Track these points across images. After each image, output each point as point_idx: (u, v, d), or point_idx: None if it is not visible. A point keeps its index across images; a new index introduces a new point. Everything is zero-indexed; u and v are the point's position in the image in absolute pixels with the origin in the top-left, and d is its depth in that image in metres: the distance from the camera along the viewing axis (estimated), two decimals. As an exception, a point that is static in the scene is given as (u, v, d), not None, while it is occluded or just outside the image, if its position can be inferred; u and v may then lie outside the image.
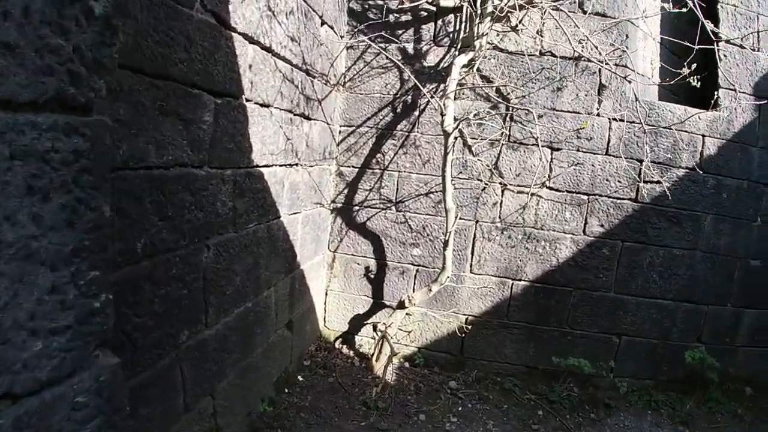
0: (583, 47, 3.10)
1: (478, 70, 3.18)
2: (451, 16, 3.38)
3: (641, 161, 3.17)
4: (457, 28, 3.36)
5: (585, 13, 3.14)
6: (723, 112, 3.30)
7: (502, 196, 3.19)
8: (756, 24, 3.46)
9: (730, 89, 3.31)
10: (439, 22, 3.28)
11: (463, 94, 3.19)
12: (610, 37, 3.18)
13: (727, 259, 3.35)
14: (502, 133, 3.13)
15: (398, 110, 3.52)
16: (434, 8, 3.23)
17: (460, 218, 3.28)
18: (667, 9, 2.98)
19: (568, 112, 3.11)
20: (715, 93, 3.23)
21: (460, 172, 3.30)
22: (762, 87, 3.45)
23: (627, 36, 3.25)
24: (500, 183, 3.15)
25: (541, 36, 3.14)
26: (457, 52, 3.18)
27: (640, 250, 3.22)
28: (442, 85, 3.18)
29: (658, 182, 3.11)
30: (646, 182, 3.13)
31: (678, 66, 2.86)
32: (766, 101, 3.20)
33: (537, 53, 3.15)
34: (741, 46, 3.43)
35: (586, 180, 3.13)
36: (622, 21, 3.20)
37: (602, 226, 3.19)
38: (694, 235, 3.25)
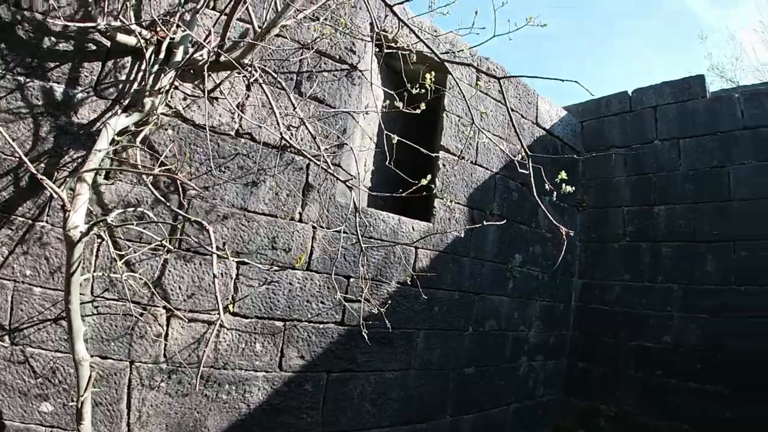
0: (292, 135, 2.81)
1: (147, 141, 2.50)
2: (128, 59, 2.57)
3: (349, 277, 2.98)
4: (132, 77, 2.54)
5: (301, 95, 2.88)
6: (437, 224, 3.40)
7: (168, 325, 2.57)
8: (476, 137, 3.68)
9: (446, 200, 3.40)
10: (110, 63, 2.46)
11: (120, 174, 2.45)
12: (326, 129, 2.97)
13: (442, 372, 3.46)
14: (172, 237, 2.50)
15: (22, 184, 2.63)
16: (107, 42, 2.43)
17: (109, 358, 2.46)
18: (385, 109, 2.90)
19: (264, 214, 2.71)
20: (432, 203, 3.30)
21: (106, 291, 2.45)
22: (475, 198, 3.71)
23: (345, 131, 3.05)
24: (165, 307, 2.53)
25: (243, 112, 2.71)
26: (120, 110, 2.41)
27: (349, 379, 3.03)
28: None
29: (368, 301, 2.97)
30: (354, 301, 2.96)
31: (394, 172, 2.72)
32: (479, 211, 3.46)
33: (233, 133, 2.69)
34: (461, 157, 3.62)
35: (283, 302, 2.77)
36: (342, 113, 3.02)
37: (303, 357, 2.87)
38: (406, 354, 3.23)
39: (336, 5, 3.14)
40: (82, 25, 2.35)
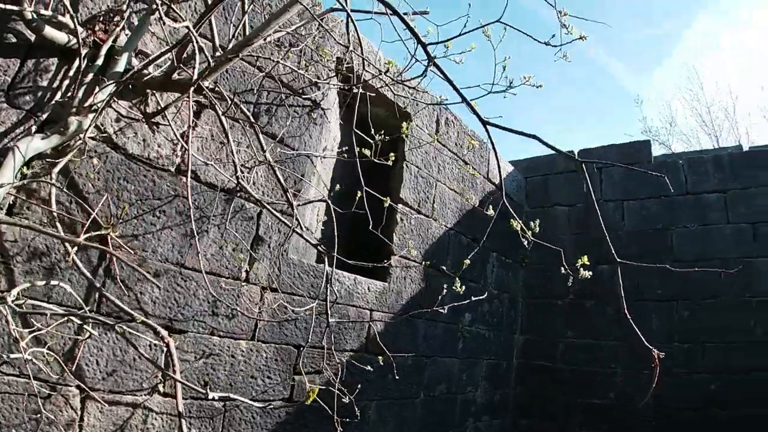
0: (243, 178, 2.67)
1: (66, 173, 2.22)
2: (53, 61, 2.43)
3: (300, 347, 2.91)
4: (56, 85, 2.23)
5: (260, 131, 2.75)
6: (393, 283, 3.48)
7: (83, 409, 2.32)
8: (434, 190, 3.91)
9: (403, 257, 3.52)
10: (30, 63, 2.16)
11: (29, 210, 2.13)
12: (283, 172, 2.88)
13: None
14: (90, 298, 2.27)
15: None
16: (31, 36, 2.13)
17: (-1, 454, 2.35)
18: (345, 156, 2.93)
19: (205, 272, 2.50)
20: (388, 261, 3.32)
21: (3, 364, 2.42)
22: (431, 254, 3.84)
23: (303, 176, 2.99)
24: (79, 387, 2.29)
25: (187, 144, 2.45)
26: (35, 127, 2.12)
27: None
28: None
29: (319, 372, 2.94)
30: (306, 373, 2.89)
31: (348, 224, 2.83)
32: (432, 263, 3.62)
33: (173, 169, 2.51)
34: (418, 211, 3.74)
35: (223, 378, 2.64)
36: (301, 155, 2.99)
37: None
38: (359, 430, 3.17)
39: (308, 32, 3.08)
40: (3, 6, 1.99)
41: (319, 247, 2.54)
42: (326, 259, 2.62)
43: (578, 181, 5.50)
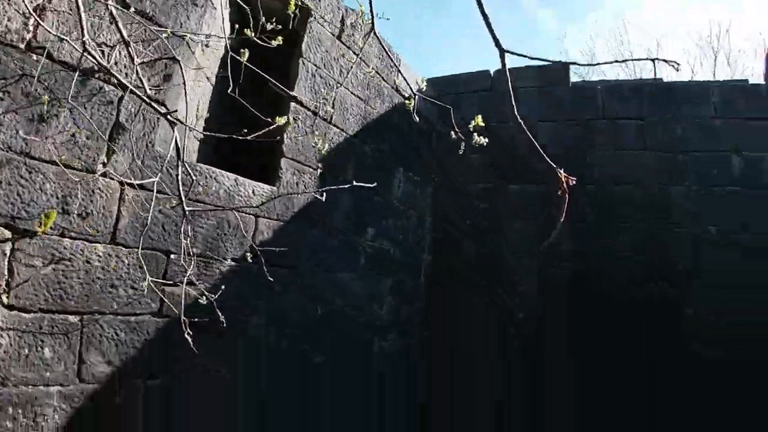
0: (103, 57, 2.49)
1: None
2: None
3: (169, 253, 2.77)
4: None
5: (127, 8, 2.59)
6: (284, 188, 3.37)
7: None
8: (334, 94, 3.76)
9: (295, 160, 3.42)
10: None
11: None
12: (151, 54, 2.71)
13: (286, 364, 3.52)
14: None
15: None
16: None
17: None
18: (231, 40, 2.76)
19: (54, 163, 2.36)
20: (278, 163, 3.25)
21: None
22: (329, 162, 3.77)
23: (176, 61, 2.72)
24: None
25: (41, 18, 2.32)
26: None
27: (174, 386, 2.85)
28: None
29: (193, 284, 2.77)
30: (175, 285, 2.77)
31: (233, 123, 2.64)
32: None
33: (23, 45, 2.29)
34: (315, 113, 3.62)
35: (78, 288, 2.48)
36: (176, 37, 2.77)
37: (110, 362, 2.60)
38: (243, 345, 3.19)
39: None
40: None
41: (170, 117, 2.33)
42: (175, 134, 2.40)
43: (492, 100, 5.62)
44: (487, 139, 2.44)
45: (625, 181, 5.09)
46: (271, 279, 3.05)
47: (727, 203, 4.78)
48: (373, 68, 4.32)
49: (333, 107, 3.82)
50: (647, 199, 4.99)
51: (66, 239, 2.48)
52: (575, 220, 4.94)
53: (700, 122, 5.03)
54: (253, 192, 3.20)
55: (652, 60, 2.14)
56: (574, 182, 2.20)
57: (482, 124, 2.39)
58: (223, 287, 2.86)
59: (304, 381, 3.63)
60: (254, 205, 3.18)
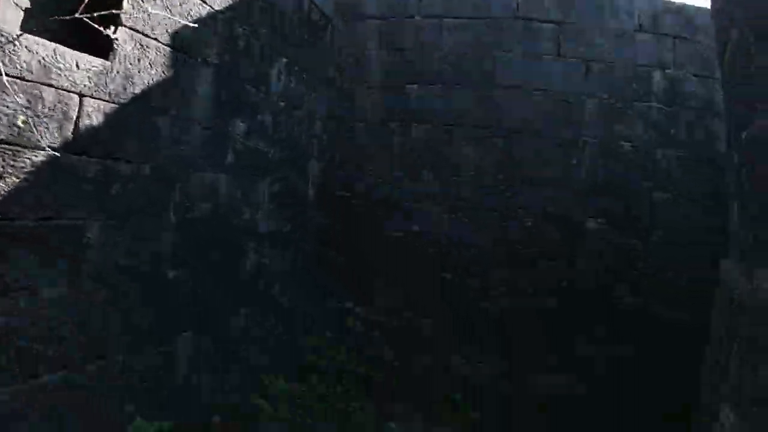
0: None
1: None
2: None
3: None
4: None
5: None
6: (120, 64, 2.81)
7: None
8: None
9: (138, 32, 2.89)
10: None
11: None
12: None
13: (132, 281, 3.03)
14: None
15: None
16: None
17: None
18: None
19: None
20: (113, 33, 2.63)
21: None
22: (185, 38, 3.21)
23: None
24: None
25: None
26: None
27: None
28: None
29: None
30: None
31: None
32: None
33: None
34: None
35: None
36: None
37: None
38: (73, 259, 2.68)
39: None
40: None
41: None
42: None
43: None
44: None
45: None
46: (103, 175, 2.54)
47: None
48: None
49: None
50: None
51: None
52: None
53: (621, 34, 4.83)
54: (77, 65, 2.59)
55: None
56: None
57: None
58: (36, 182, 2.32)
59: (160, 300, 3.20)
60: (80, 83, 2.59)
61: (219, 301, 3.74)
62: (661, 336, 4.22)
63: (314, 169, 5.10)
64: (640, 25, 4.84)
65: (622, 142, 4.70)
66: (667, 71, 4.76)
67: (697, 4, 5.45)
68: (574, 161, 4.70)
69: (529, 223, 4.67)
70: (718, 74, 3.71)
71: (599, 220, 4.63)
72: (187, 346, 3.47)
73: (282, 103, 4.33)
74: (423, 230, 4.91)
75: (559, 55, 4.86)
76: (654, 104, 4.74)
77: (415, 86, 5.08)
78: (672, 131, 4.71)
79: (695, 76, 4.80)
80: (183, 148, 3.27)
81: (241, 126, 3.79)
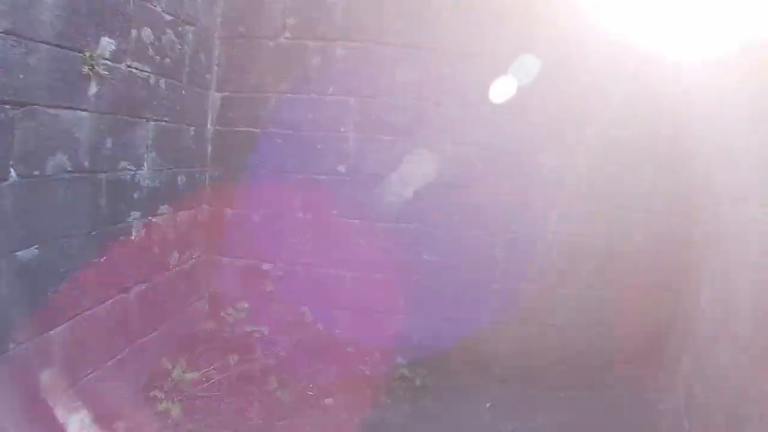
0: None
1: None
2: None
3: None
4: None
5: None
6: None
7: None
8: None
9: None
10: None
11: None
12: None
13: None
14: None
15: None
16: None
17: None
18: None
19: None
20: None
21: None
22: None
23: None
24: None
25: None
26: None
27: None
28: None
29: None
30: None
31: None
32: None
33: None
34: None
35: None
36: None
37: None
38: None
39: None
40: None
41: None
42: None
43: None
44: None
45: None
46: None
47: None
48: None
49: None
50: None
51: None
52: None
53: None
54: None
55: None
56: None
57: None
58: None
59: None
60: None
61: (102, 274, 2.84)
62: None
63: (215, 102, 4.12)
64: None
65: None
66: None
67: None
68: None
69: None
70: None
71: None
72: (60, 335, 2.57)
73: (169, 16, 3.29)
74: (341, 170, 4.35)
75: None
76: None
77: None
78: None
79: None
80: (21, 75, 2.23)
81: (107, 44, 2.74)
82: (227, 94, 4.14)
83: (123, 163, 3.02)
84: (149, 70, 3.15)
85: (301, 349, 3.93)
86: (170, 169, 3.55)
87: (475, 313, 4.05)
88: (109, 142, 2.85)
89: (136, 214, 3.20)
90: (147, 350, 3.41)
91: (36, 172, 2.37)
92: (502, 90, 3.85)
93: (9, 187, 2.24)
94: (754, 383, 2.15)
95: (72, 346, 2.68)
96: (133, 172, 3.12)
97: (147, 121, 3.20)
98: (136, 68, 3.02)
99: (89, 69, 2.58)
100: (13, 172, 2.25)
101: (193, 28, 3.64)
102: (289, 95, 4.09)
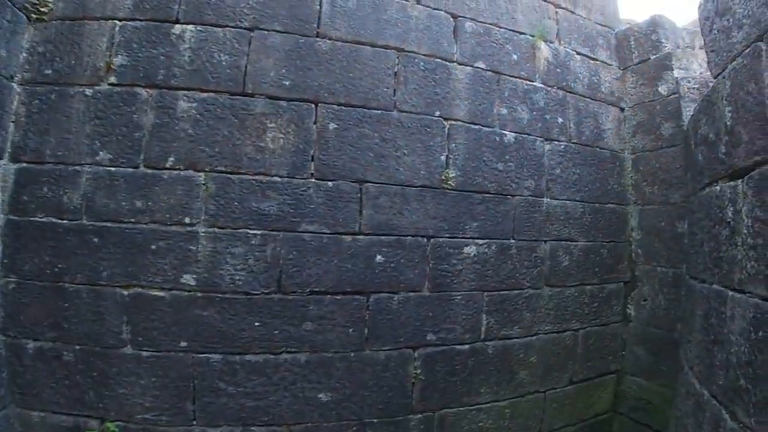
0: None
1: None
2: None
3: None
4: None
5: None
6: None
7: None
8: None
9: None
10: None
11: None
12: None
13: None
14: None
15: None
16: None
17: None
18: None
19: None
20: None
21: None
22: None
23: None
24: None
25: None
26: None
27: None
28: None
29: None
30: None
31: None
32: None
33: None
34: None
35: None
36: None
37: None
38: None
39: None
40: None
41: None
42: None
43: None
44: None
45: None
46: None
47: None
48: None
49: None
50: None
51: None
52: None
53: None
54: None
55: None
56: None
57: None
58: None
59: None
60: None
61: None
62: None
63: (6, 179, 2.76)
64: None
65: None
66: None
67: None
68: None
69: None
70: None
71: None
72: None
73: None
74: (189, 282, 2.90)
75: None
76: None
77: (188, 27, 2.79)
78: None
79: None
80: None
81: None
82: (25, 165, 2.76)
83: None
84: None
85: None
86: None
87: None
88: None
89: None
90: None
91: None
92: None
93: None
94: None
95: None
96: None
97: None
98: None
99: None
100: None
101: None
102: (111, 169, 2.66)
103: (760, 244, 1.85)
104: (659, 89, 3.95)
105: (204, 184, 2.73)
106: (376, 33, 3.16)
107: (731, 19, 2.14)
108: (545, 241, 3.69)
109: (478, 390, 3.35)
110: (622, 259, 4.07)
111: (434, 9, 3.38)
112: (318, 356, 2.91)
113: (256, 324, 2.80)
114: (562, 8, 4.03)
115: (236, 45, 2.83)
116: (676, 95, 3.77)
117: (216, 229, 2.73)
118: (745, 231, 1.99)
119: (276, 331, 2.83)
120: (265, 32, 2.88)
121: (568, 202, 3.80)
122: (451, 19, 3.44)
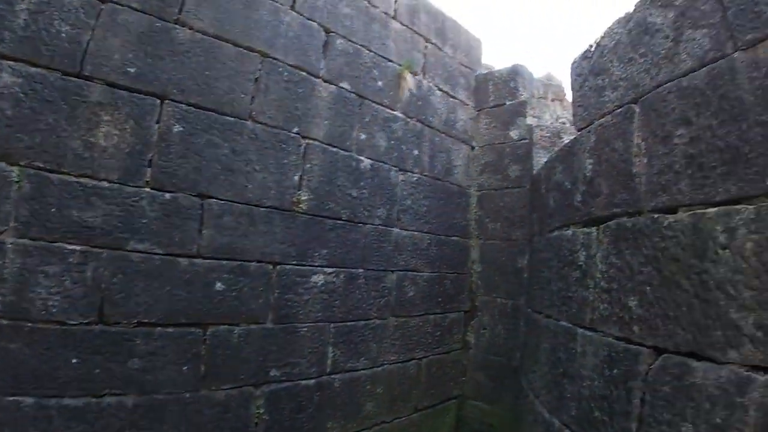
0: None
1: None
2: None
3: None
4: None
5: None
6: None
7: None
8: None
9: None
10: None
11: None
12: None
13: None
14: None
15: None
16: None
17: None
18: None
19: None
20: None
21: None
22: None
23: None
24: None
25: None
26: None
27: None
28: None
29: None
30: None
31: None
32: None
33: None
34: None
35: None
36: None
37: None
38: None
39: None
40: None
41: None
42: None
43: None
44: None
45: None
46: None
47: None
48: None
49: None
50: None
51: None
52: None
53: None
54: None
55: None
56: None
57: None
58: None
59: None
60: None
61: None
62: None
63: None
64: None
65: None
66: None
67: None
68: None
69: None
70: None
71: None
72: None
73: None
74: None
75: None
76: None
77: None
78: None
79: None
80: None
81: None
82: None
83: None
84: None
85: None
86: None
87: None
88: None
89: None
90: None
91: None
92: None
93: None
94: None
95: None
96: None
97: None
98: None
99: None
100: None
101: None
102: None
103: (614, 288, 1.94)
104: (511, 133, 4.20)
105: (17, 182, 2.24)
106: (243, 32, 2.87)
107: (606, 80, 2.25)
108: (393, 272, 3.66)
109: (325, 425, 3.17)
110: (463, 290, 4.20)
111: (308, 19, 3.19)
112: (148, 398, 2.48)
113: (74, 361, 2.32)
114: (432, 44, 4.12)
115: (82, 16, 2.35)
116: (527, 140, 4.02)
117: (27, 241, 2.24)
118: (599, 275, 2.09)
119: (97, 370, 2.37)
120: (119, 7, 2.44)
121: (416, 233, 3.84)
122: (323, 33, 3.29)
